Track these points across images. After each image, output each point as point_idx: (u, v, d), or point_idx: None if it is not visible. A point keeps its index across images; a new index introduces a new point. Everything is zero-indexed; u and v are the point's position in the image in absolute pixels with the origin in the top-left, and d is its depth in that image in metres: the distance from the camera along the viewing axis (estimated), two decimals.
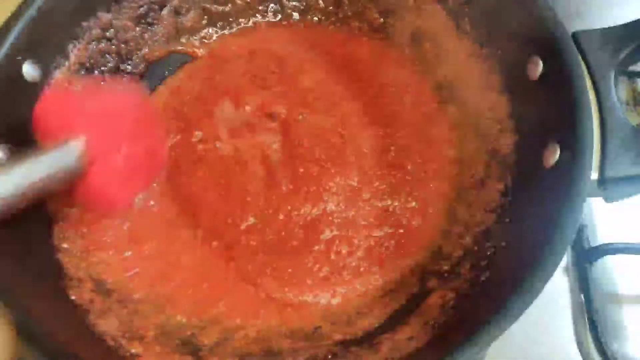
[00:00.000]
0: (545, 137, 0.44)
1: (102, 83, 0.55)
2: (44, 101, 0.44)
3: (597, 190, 0.42)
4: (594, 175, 0.41)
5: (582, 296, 0.54)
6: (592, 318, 0.52)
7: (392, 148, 0.56)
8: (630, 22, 0.45)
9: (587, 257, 0.55)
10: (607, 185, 0.41)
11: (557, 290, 0.55)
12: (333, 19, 0.64)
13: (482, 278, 0.43)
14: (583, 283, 0.54)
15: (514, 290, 0.36)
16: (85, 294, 0.44)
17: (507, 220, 0.46)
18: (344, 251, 0.51)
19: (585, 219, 0.57)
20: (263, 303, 0.49)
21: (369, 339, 0.46)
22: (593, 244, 0.56)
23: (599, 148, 0.41)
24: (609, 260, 0.56)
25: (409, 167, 0.54)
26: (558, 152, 0.43)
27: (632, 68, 0.49)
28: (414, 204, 0.53)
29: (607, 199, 0.43)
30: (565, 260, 0.56)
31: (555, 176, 0.42)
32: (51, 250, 0.45)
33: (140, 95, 0.53)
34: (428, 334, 0.41)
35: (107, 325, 0.42)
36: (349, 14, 0.63)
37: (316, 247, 0.51)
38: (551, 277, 0.36)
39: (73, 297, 0.43)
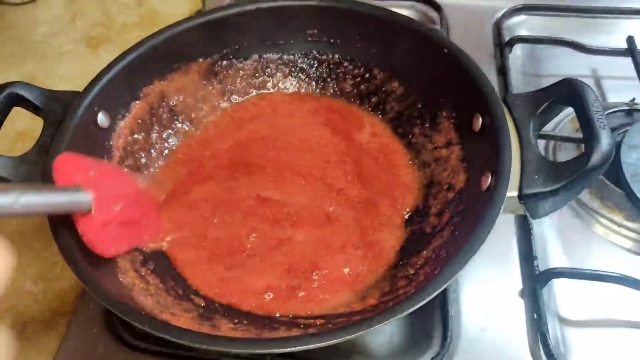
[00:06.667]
0: (484, 170, 0.56)
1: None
2: (63, 157, 0.51)
3: (520, 206, 0.53)
4: (515, 193, 0.52)
5: (535, 316, 0.60)
6: (544, 335, 0.58)
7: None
8: (544, 87, 0.57)
9: (536, 281, 0.62)
10: (525, 200, 0.51)
11: (514, 310, 0.61)
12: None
13: (435, 273, 0.52)
14: (534, 305, 0.61)
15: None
16: (129, 279, 0.54)
17: (457, 233, 0.56)
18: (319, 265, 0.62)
19: (537, 250, 0.64)
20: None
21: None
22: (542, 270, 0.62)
23: (519, 173, 0.52)
24: (556, 284, 0.62)
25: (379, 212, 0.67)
26: (490, 179, 0.54)
27: (544, 131, 0.61)
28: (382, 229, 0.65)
29: (531, 215, 0.53)
30: (520, 285, 0.64)
31: (487, 195, 0.53)
32: None
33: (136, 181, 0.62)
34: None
35: (145, 302, 0.52)
36: None
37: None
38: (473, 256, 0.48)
39: (121, 279, 0.54)
